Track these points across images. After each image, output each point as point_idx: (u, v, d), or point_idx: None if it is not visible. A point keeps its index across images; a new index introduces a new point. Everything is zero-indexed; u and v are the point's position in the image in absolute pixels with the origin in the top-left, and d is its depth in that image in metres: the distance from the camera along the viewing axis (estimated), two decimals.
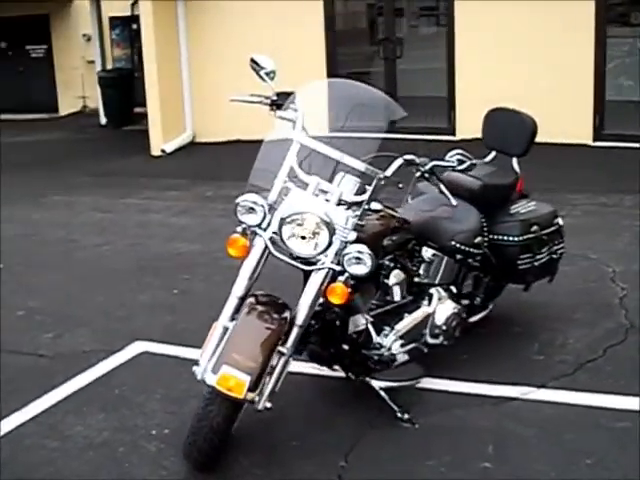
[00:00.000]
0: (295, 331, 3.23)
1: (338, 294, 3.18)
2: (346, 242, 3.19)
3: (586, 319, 4.50)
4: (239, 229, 3.27)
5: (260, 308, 3.21)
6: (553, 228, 4.20)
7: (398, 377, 3.58)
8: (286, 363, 3.25)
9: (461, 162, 3.40)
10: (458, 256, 3.92)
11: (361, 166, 3.22)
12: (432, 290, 3.85)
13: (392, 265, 3.60)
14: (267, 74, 3.44)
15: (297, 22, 10.41)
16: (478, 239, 3.94)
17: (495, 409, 3.61)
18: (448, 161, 3.41)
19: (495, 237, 4.04)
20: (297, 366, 3.62)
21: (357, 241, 3.23)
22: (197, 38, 11.08)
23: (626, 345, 4.14)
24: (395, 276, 3.58)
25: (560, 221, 4.37)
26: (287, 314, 3.22)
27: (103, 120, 14.52)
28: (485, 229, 4.02)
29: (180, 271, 5.91)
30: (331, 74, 10.36)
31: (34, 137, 13.82)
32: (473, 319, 4.28)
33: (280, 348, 3.20)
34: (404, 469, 3.20)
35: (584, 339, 4.25)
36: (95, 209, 8.27)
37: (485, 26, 9.58)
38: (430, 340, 3.81)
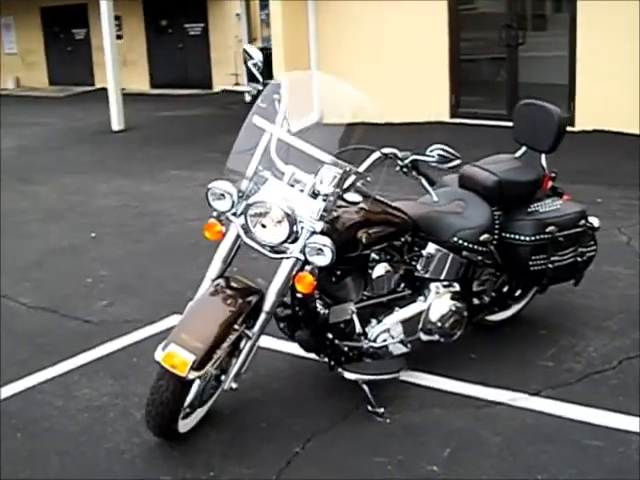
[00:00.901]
0: (262, 317, 3.30)
1: (304, 283, 3.23)
2: (313, 232, 3.22)
3: (617, 327, 4.25)
4: (215, 214, 3.38)
5: (224, 290, 3.31)
6: (578, 230, 3.99)
7: (373, 370, 3.56)
8: (252, 347, 3.33)
9: (442, 157, 3.33)
10: (464, 253, 3.82)
11: (327, 159, 3.22)
12: (431, 285, 3.79)
13: (378, 257, 3.57)
14: (254, 65, 3.51)
15: (422, 10, 10.27)
16: (484, 236, 3.82)
17: (475, 412, 3.51)
18: (428, 156, 3.35)
19: (507, 235, 3.90)
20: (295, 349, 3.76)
21: (328, 232, 3.24)
22: (326, 34, 11.18)
23: None
24: (381, 269, 3.55)
25: (594, 222, 4.14)
26: (253, 299, 3.30)
27: (247, 98, 14.97)
28: (496, 226, 3.88)
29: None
30: (453, 59, 10.24)
31: (184, 112, 14.54)
32: (492, 318, 4.18)
33: (246, 331, 3.30)
34: (352, 463, 3.20)
35: (604, 348, 4.02)
36: (203, 185, 8.57)
37: (609, 19, 9.04)
38: (423, 336, 3.76)
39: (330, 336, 3.58)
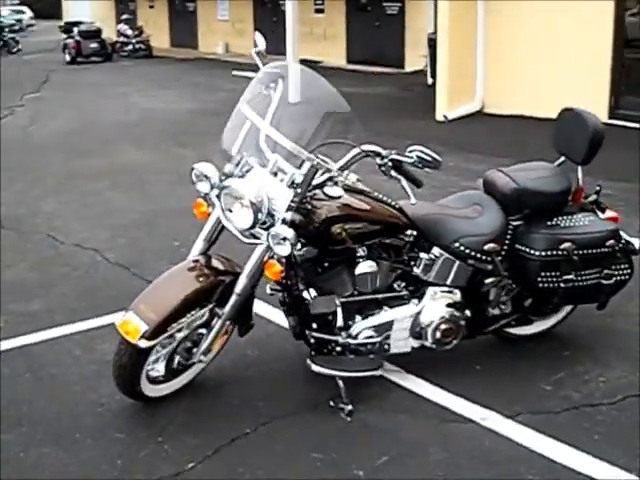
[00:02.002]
0: (233, 298, 3.41)
1: (271, 271, 3.31)
2: (283, 221, 3.27)
3: None
4: (202, 194, 3.53)
5: (198, 268, 3.45)
6: (603, 249, 3.69)
7: (342, 366, 3.55)
8: (222, 325, 3.46)
9: (420, 159, 3.26)
10: (469, 260, 3.69)
11: (295, 149, 3.24)
12: (429, 290, 3.69)
13: (365, 254, 3.54)
14: (257, 53, 3.58)
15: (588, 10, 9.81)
16: (489, 245, 3.65)
17: (439, 425, 3.41)
18: (407, 156, 3.28)
19: (518, 247, 3.70)
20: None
21: (301, 223, 3.28)
22: (496, 12, 10.84)
23: None
24: (365, 266, 3.52)
25: (634, 243, 3.82)
26: (227, 279, 3.42)
27: (430, 80, 14.87)
28: (508, 236, 3.70)
29: None
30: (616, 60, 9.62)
31: (365, 90, 14.70)
32: (516, 331, 4.00)
33: (217, 310, 3.43)
34: (287, 454, 3.23)
35: (617, 380, 3.71)
36: None
37: None
38: (412, 341, 3.68)
39: (314, 326, 3.60)
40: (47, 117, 12.84)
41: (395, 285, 3.68)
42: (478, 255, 3.65)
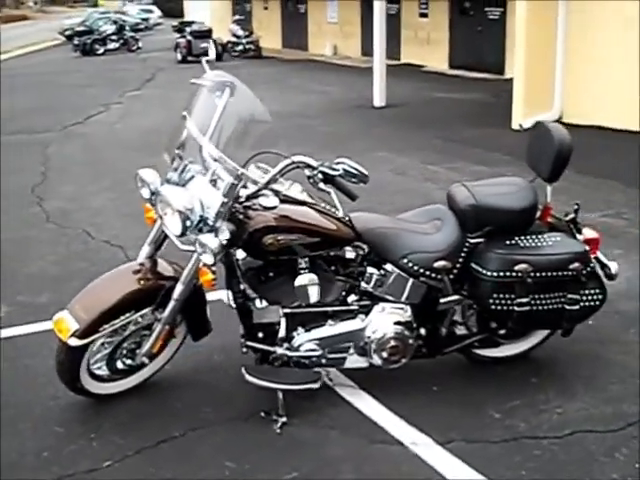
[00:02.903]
0: (171, 303, 3.46)
1: (203, 279, 3.34)
2: (209, 230, 3.28)
3: (618, 394, 3.66)
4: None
5: (139, 270, 3.51)
6: (566, 273, 3.48)
7: (276, 378, 3.51)
8: (162, 329, 3.51)
9: (346, 172, 3.20)
10: (420, 278, 3.58)
11: (221, 159, 3.24)
12: (377, 306, 3.61)
13: (306, 266, 3.49)
14: (207, 61, 3.60)
15: None
16: (439, 263, 3.52)
17: (365, 446, 3.31)
18: (334, 169, 3.23)
19: (473, 267, 3.55)
20: None
21: (234, 233, 3.29)
22: (578, 12, 10.40)
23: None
24: (304, 278, 3.47)
25: (608, 266, 3.61)
26: (167, 284, 3.46)
27: None
28: (463, 254, 3.56)
29: None
30: None
31: (455, 95, 14.47)
32: (487, 353, 3.87)
33: (157, 314, 3.49)
34: (204, 461, 3.24)
35: (575, 413, 3.51)
36: (392, 170, 8.63)
37: None
38: (357, 357, 3.61)
39: (260, 335, 3.59)
40: (138, 115, 13.31)
41: (348, 299, 3.59)
42: (427, 272, 3.53)
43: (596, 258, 3.69)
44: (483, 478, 3.05)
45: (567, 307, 3.53)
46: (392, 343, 3.55)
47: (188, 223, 3.25)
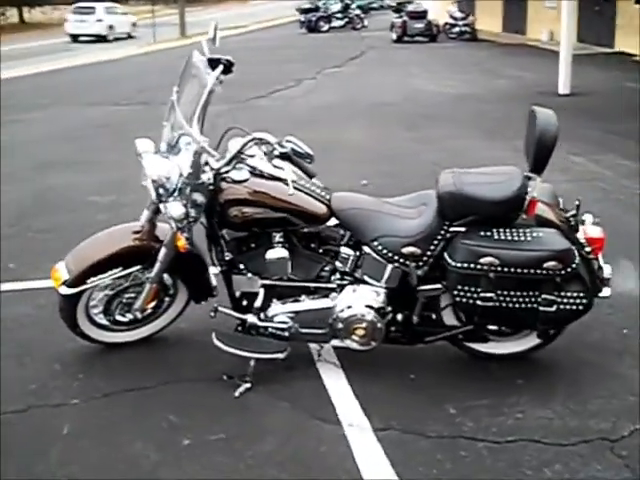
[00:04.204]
0: (156, 265, 3.72)
1: (177, 243, 3.58)
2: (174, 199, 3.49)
3: (598, 407, 3.40)
4: None
5: (135, 230, 3.77)
6: (539, 271, 3.29)
7: (241, 345, 3.62)
8: (150, 289, 3.78)
9: (294, 151, 3.28)
10: (390, 262, 3.55)
11: (189, 133, 3.39)
12: (348, 287, 3.63)
13: (279, 241, 3.59)
14: (207, 40, 3.74)
15: None
16: (408, 249, 3.46)
17: (304, 421, 3.36)
18: (282, 146, 3.31)
19: (445, 256, 3.46)
20: None
21: (209, 203, 3.49)
22: None
23: None
24: (274, 252, 3.57)
25: (600, 270, 3.38)
26: (156, 246, 3.71)
27: None
28: (435, 242, 3.47)
29: None
30: None
31: None
32: (482, 349, 3.78)
33: (146, 273, 3.77)
34: (148, 412, 3.45)
35: (533, 420, 3.30)
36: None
37: None
38: (327, 334, 3.66)
39: (243, 304, 3.76)
40: (323, 91, 13.73)
41: (330, 277, 3.63)
42: (395, 257, 3.47)
43: (594, 259, 3.42)
44: (391, 469, 2.98)
45: (541, 308, 3.32)
46: (358, 325, 3.54)
47: (161, 191, 3.44)
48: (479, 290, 3.31)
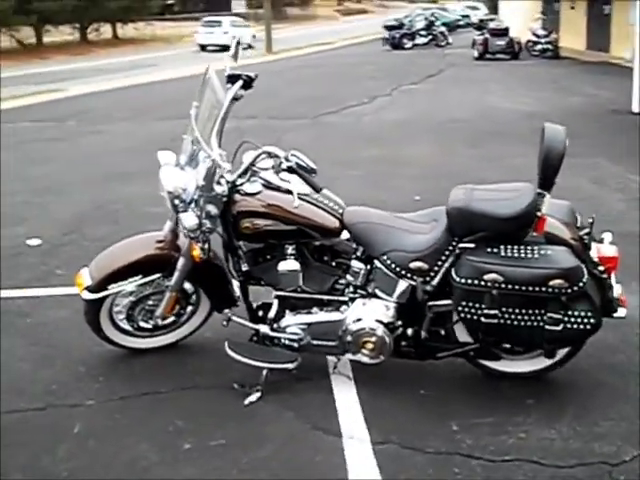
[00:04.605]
0: (176, 274, 3.84)
1: (193, 253, 3.69)
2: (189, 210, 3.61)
3: (606, 430, 3.32)
4: None
5: (158, 240, 3.89)
6: (545, 289, 3.25)
7: (251, 355, 3.69)
8: (170, 297, 3.90)
9: (299, 165, 3.35)
10: (398, 277, 3.57)
11: (205, 149, 3.50)
12: (358, 300, 3.67)
13: (292, 253, 3.66)
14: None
15: None
16: (415, 264, 3.48)
17: (305, 431, 3.41)
18: (288, 160, 3.38)
19: (451, 272, 3.46)
20: None
21: (223, 215, 3.60)
22: None
23: None
24: (285, 264, 3.64)
25: (615, 291, 3.34)
26: (176, 256, 3.83)
27: None
28: (443, 258, 3.48)
29: None
30: None
31: None
32: (496, 366, 3.74)
33: (166, 281, 3.90)
34: (157, 416, 3.55)
35: (534, 442, 3.26)
36: (591, 178, 8.10)
37: None
38: (338, 346, 3.70)
39: (259, 314, 3.85)
40: (395, 109, 13.74)
41: (343, 290, 3.68)
42: (403, 272, 3.49)
43: (606, 279, 3.37)
44: None
45: (547, 327, 3.27)
46: (367, 338, 3.57)
47: (177, 202, 3.56)
48: (483, 307, 3.29)
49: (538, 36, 23.63)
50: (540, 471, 3.04)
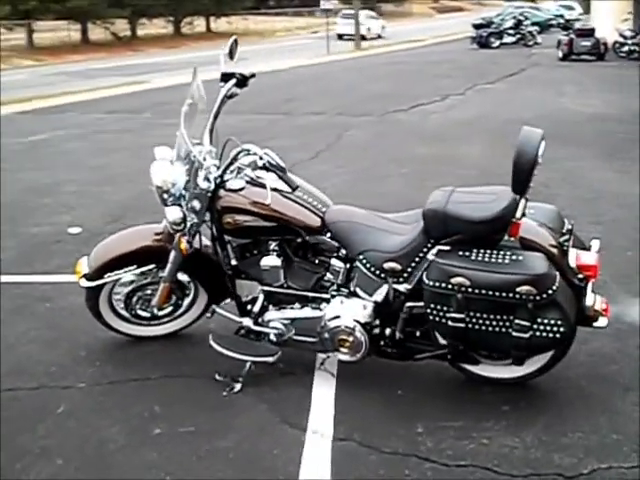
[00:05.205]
0: (168, 266, 3.97)
1: (180, 246, 3.82)
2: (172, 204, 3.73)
3: (583, 442, 3.28)
4: None
5: (157, 232, 4.01)
6: (512, 295, 3.22)
7: (233, 347, 3.78)
8: (164, 287, 4.04)
9: (270, 163, 3.42)
10: (374, 277, 3.60)
11: (188, 145, 3.61)
12: (335, 298, 3.71)
13: (274, 249, 3.74)
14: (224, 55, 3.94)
15: None
16: (389, 264, 3.50)
17: (274, 424, 3.48)
18: (261, 158, 3.46)
19: (422, 274, 3.46)
20: None
21: (210, 210, 3.71)
22: None
23: None
24: (267, 260, 3.72)
25: (594, 302, 3.32)
26: (170, 247, 3.97)
27: None
28: (417, 259, 3.49)
29: None
30: None
31: None
32: (477, 371, 3.73)
33: (160, 273, 4.04)
34: (136, 401, 3.69)
35: (495, 448, 3.23)
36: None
37: None
38: (317, 343, 3.76)
39: (248, 308, 3.95)
40: (462, 107, 13.62)
41: (327, 287, 3.74)
42: (377, 272, 3.51)
43: (582, 287, 3.32)
44: (328, 478, 3.03)
45: (514, 334, 3.25)
46: (343, 337, 3.61)
47: (165, 196, 3.68)
48: (450, 310, 3.28)
49: (625, 37, 22.88)
50: (492, 479, 3.00)
